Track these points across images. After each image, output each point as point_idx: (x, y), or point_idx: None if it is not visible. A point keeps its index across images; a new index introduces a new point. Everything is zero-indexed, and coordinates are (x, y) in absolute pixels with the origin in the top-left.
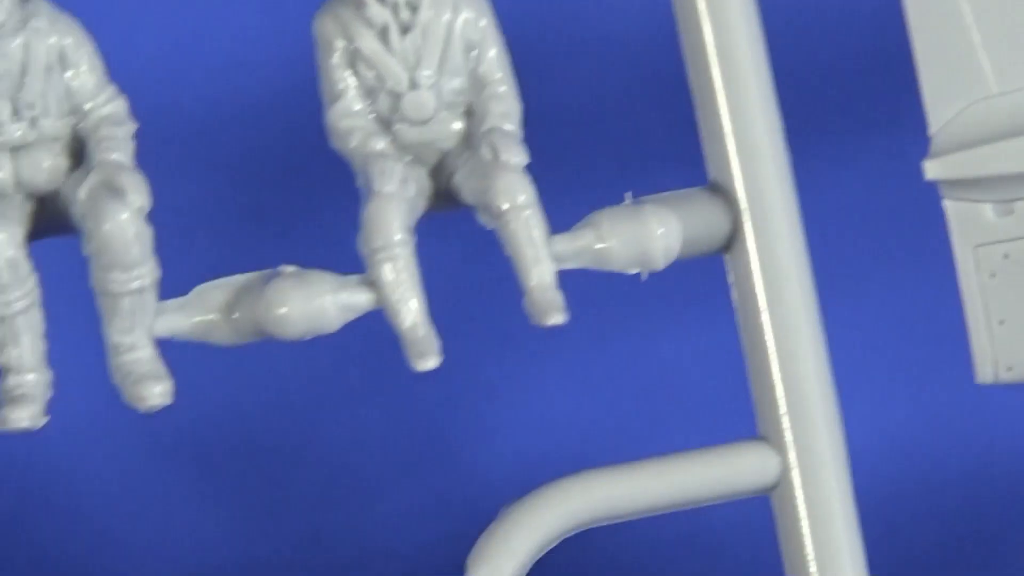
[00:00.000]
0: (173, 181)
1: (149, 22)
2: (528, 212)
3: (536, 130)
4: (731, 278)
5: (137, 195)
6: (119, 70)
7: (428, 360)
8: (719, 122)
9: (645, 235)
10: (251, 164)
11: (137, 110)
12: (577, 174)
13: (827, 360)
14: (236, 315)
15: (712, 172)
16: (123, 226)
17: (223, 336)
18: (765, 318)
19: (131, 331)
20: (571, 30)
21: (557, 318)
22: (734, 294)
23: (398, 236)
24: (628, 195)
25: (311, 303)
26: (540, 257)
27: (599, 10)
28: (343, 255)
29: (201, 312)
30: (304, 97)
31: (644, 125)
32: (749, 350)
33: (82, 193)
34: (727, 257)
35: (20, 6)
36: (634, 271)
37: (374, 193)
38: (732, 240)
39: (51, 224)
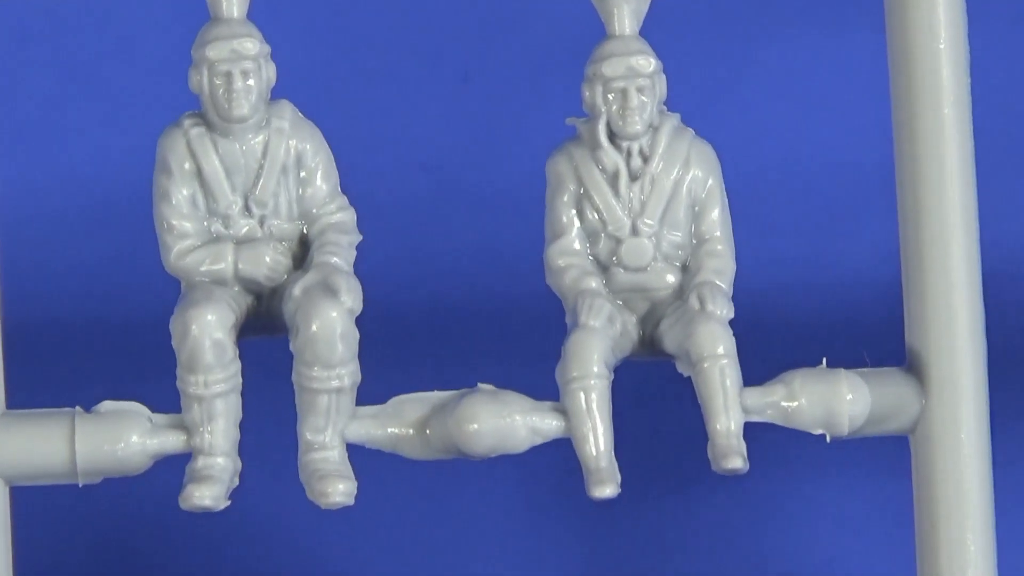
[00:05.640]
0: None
1: None
2: (725, 362)
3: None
4: (913, 460)
5: (349, 296)
6: None
7: (606, 488)
8: (926, 316)
9: (834, 398)
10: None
11: None
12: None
13: (993, 544)
14: (428, 431)
15: (909, 357)
16: (332, 324)
17: (413, 449)
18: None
19: (324, 430)
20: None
21: (736, 463)
22: (914, 475)
23: (596, 368)
24: (824, 361)
25: (502, 421)
26: (730, 406)
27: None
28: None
29: (396, 423)
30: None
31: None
32: (920, 527)
33: (297, 290)
34: (912, 438)
35: (266, 105)
36: (819, 432)
37: (579, 326)
38: (918, 423)
39: (264, 323)
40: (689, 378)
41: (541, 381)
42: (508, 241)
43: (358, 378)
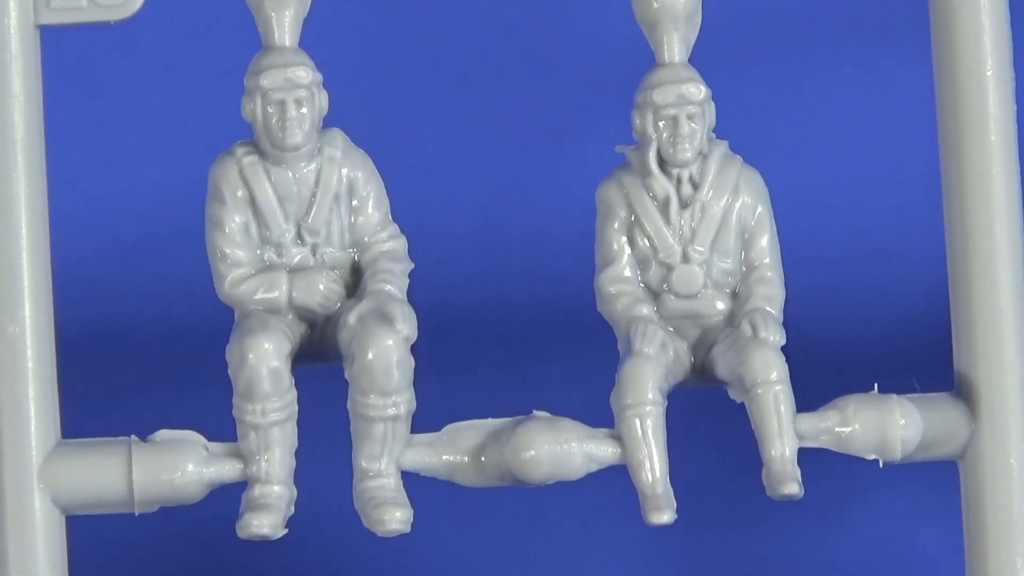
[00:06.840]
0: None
1: None
2: (779, 388)
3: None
4: (962, 485)
5: (405, 325)
6: None
7: (663, 514)
8: (974, 342)
9: (887, 423)
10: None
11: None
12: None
13: None
14: (484, 458)
15: (958, 382)
16: (388, 351)
17: (468, 477)
18: (992, 531)
19: (379, 458)
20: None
21: (792, 488)
22: (963, 500)
23: (650, 395)
24: (875, 386)
25: (558, 448)
26: (784, 431)
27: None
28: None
29: (451, 451)
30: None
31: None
32: (970, 552)
33: (352, 318)
34: (961, 463)
35: (318, 133)
36: (871, 457)
37: (633, 353)
38: (968, 448)
39: (318, 351)
40: (740, 404)
41: (588, 405)
42: (534, 258)
43: (413, 406)
